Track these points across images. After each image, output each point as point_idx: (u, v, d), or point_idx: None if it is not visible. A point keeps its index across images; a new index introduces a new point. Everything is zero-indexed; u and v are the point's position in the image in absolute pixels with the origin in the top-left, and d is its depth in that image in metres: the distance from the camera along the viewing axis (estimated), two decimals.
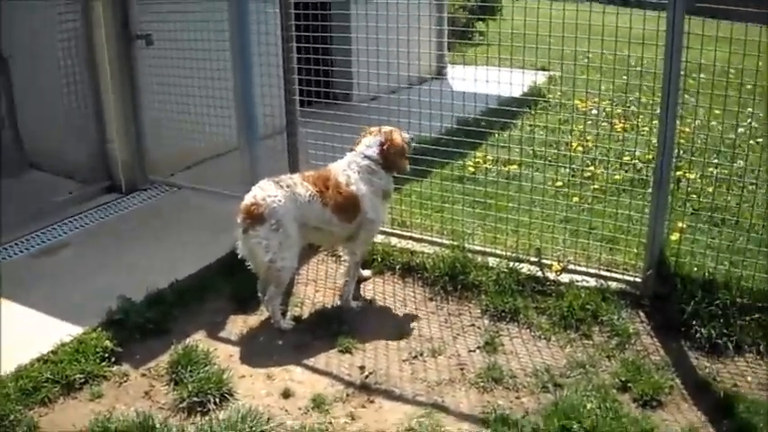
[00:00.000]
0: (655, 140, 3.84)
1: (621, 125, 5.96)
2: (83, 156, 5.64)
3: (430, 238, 4.51)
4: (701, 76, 3.85)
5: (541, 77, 7.87)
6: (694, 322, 3.59)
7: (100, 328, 3.65)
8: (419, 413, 3.16)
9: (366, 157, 3.95)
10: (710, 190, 4.52)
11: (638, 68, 4.18)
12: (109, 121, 5.59)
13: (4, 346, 3.49)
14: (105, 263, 4.49)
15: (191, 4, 5.25)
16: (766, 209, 4.37)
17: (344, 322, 3.86)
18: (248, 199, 3.74)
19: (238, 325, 3.91)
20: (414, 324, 3.89)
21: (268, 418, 3.12)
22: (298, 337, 3.77)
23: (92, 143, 5.65)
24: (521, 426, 3.02)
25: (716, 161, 4.62)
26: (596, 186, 5.00)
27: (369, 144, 3.98)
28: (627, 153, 5.20)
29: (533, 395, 3.29)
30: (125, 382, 3.42)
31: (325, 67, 5.42)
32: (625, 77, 4.59)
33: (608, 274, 4.04)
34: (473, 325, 3.86)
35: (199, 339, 3.73)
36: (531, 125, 5.75)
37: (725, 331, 3.54)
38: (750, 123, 4.89)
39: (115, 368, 3.48)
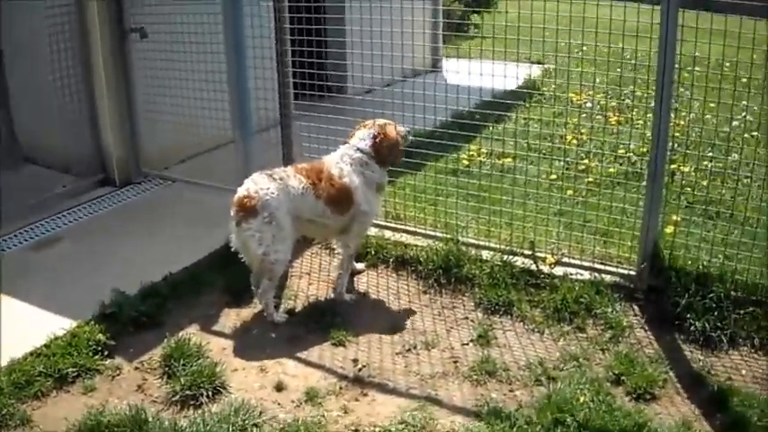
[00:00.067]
0: (649, 133, 3.84)
1: (616, 118, 5.95)
2: (77, 149, 5.62)
3: (424, 231, 4.51)
4: (696, 69, 3.85)
5: (536, 70, 7.85)
6: (688, 315, 3.60)
7: (93, 322, 3.64)
8: (412, 406, 3.16)
9: (359, 149, 3.95)
10: (705, 183, 4.53)
11: (633, 61, 4.17)
12: (103, 114, 5.57)
13: None
14: (99, 256, 4.48)
15: None
16: (761, 202, 4.37)
17: (338, 315, 3.85)
18: (241, 192, 3.73)
19: (232, 318, 3.90)
20: (407, 317, 3.89)
21: (261, 412, 3.12)
22: (291, 330, 3.77)
23: (86, 137, 5.62)
24: (514, 419, 3.01)
25: (710, 154, 4.63)
26: (590, 179, 4.99)
27: (362, 137, 3.98)
28: (621, 146, 5.19)
29: (527, 388, 3.29)
30: (118, 375, 3.41)
31: (320, 60, 5.39)
32: (619, 70, 4.58)
33: (602, 267, 4.04)
34: (466, 318, 3.86)
35: (192, 332, 3.72)
36: (525, 118, 5.75)
37: (719, 324, 3.54)
38: (745, 117, 4.88)
39: (108, 362, 3.47)
